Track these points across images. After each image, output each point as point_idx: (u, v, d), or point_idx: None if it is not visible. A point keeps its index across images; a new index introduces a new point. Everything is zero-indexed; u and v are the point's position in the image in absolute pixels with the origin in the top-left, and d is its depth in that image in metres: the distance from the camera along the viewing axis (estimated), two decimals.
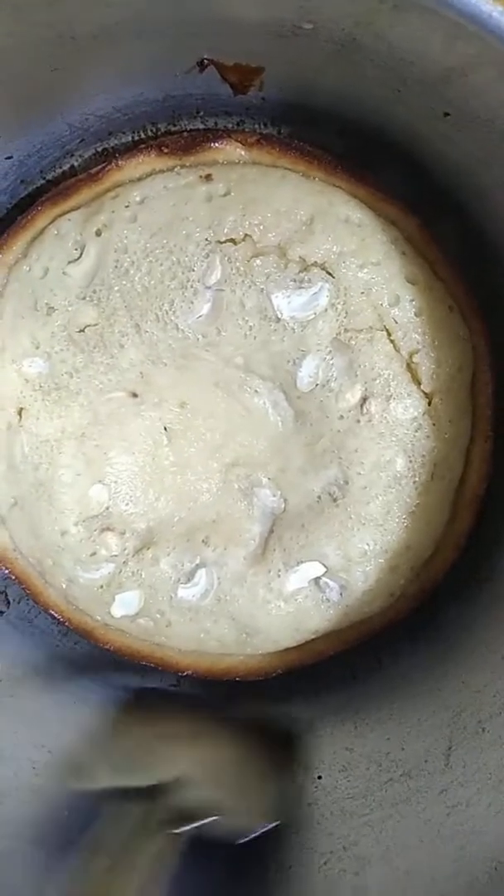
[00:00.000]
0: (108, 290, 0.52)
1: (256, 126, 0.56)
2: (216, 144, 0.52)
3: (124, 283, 0.52)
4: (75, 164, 0.58)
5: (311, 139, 0.54)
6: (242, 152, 0.52)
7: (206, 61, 0.49)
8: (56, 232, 0.53)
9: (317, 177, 0.53)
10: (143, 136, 0.57)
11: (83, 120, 0.54)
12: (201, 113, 0.55)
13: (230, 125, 0.56)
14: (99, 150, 0.57)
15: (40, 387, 0.54)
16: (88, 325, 0.53)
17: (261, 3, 0.37)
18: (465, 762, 0.51)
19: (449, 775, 0.51)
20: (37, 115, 0.51)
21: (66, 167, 0.57)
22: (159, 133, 0.56)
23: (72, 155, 0.57)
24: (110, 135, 0.56)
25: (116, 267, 0.52)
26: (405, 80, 0.42)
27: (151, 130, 0.56)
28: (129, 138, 0.56)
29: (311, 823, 0.53)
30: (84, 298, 0.53)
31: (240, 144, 0.52)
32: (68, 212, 0.54)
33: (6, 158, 0.54)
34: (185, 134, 0.54)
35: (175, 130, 0.56)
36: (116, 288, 0.52)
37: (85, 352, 0.54)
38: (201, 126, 0.56)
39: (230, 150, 0.52)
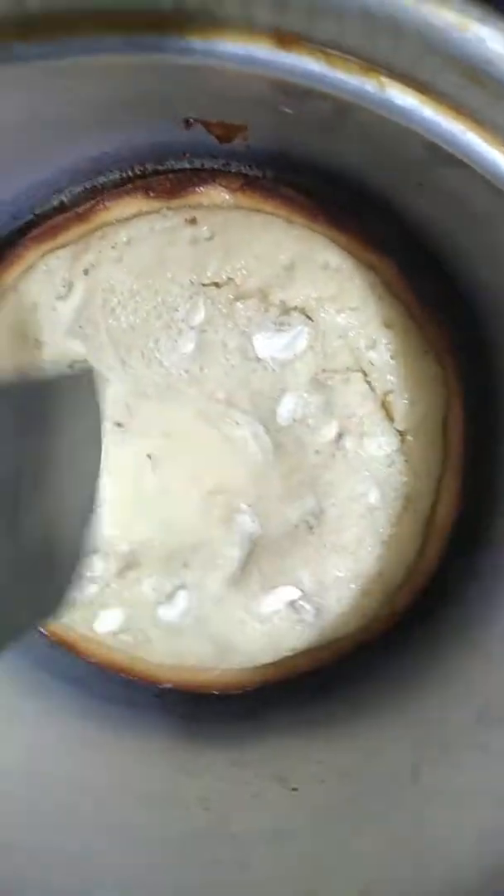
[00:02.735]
0: (96, 326, 0.54)
1: (241, 167, 0.57)
2: (201, 188, 0.54)
3: (111, 321, 0.54)
4: (64, 199, 0.59)
5: (294, 182, 0.55)
6: (227, 196, 0.54)
7: (191, 120, 0.51)
8: (45, 268, 0.55)
9: (298, 222, 0.54)
10: (130, 174, 0.58)
11: (73, 163, 0.55)
12: (188, 154, 0.56)
13: (216, 166, 0.57)
14: (88, 186, 0.58)
15: None
16: (76, 361, 0.55)
17: (242, 86, 0.39)
18: (430, 782, 0.53)
19: (415, 793, 0.53)
20: (29, 164, 0.53)
21: (55, 202, 0.58)
22: (147, 172, 0.57)
23: (61, 191, 0.58)
24: (99, 174, 0.57)
25: (103, 305, 0.54)
26: (382, 158, 0.44)
27: (139, 170, 0.57)
28: (118, 176, 0.58)
29: (285, 833, 0.56)
30: (72, 334, 0.55)
31: (224, 189, 0.54)
32: (57, 249, 0.55)
33: None
34: (171, 176, 0.55)
35: (162, 170, 0.57)
36: (103, 325, 0.54)
37: None
38: (188, 166, 0.57)
39: (215, 194, 0.54)
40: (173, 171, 0.57)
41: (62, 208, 0.58)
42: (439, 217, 0.51)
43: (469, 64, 0.32)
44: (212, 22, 0.33)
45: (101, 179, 0.58)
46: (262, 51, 0.34)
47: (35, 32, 0.33)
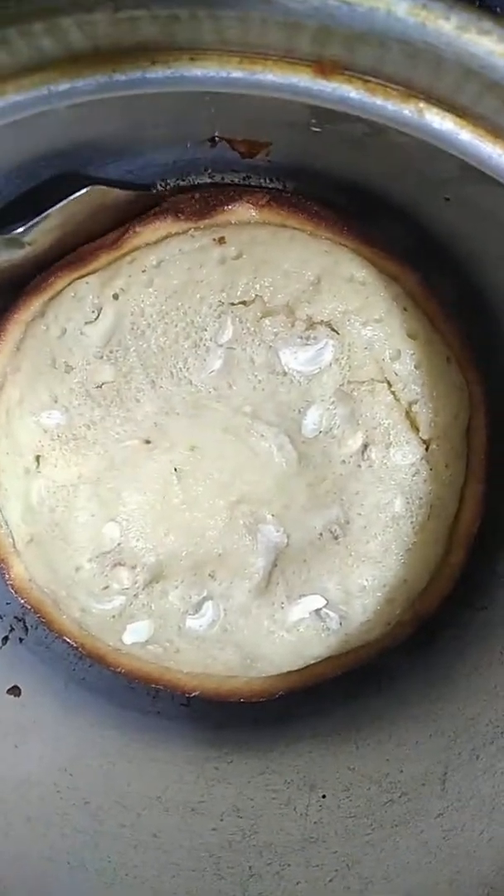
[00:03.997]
0: (125, 350, 0.54)
1: (262, 181, 0.57)
2: (229, 207, 0.54)
3: (140, 343, 0.54)
4: None
5: (315, 194, 0.56)
6: (254, 212, 0.54)
7: (217, 138, 0.51)
8: (73, 294, 0.54)
9: (324, 236, 0.54)
10: (153, 190, 0.58)
11: (103, 179, 0.56)
12: (209, 170, 0.57)
13: (237, 180, 0.57)
14: None
15: (58, 437, 0.56)
16: (105, 382, 0.55)
17: (276, 108, 0.39)
18: (460, 788, 0.54)
19: (445, 799, 0.54)
20: (61, 183, 0.53)
21: None
22: (168, 187, 0.58)
23: None
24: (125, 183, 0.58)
25: (133, 328, 0.54)
26: (410, 173, 0.44)
27: (161, 185, 0.57)
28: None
29: (317, 841, 0.57)
30: (101, 357, 0.55)
31: (251, 206, 0.54)
32: (86, 275, 0.55)
33: None
34: (197, 196, 0.55)
35: (185, 186, 0.57)
36: (133, 348, 0.54)
37: (102, 406, 0.56)
38: (208, 181, 0.57)
39: (242, 211, 0.54)
40: (196, 186, 0.57)
41: None
42: (465, 229, 0.51)
43: None
44: (254, 53, 0.34)
45: None
46: (303, 80, 0.34)
47: (82, 70, 0.33)
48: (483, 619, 0.60)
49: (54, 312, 0.55)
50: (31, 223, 0.51)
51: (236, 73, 0.34)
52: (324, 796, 0.58)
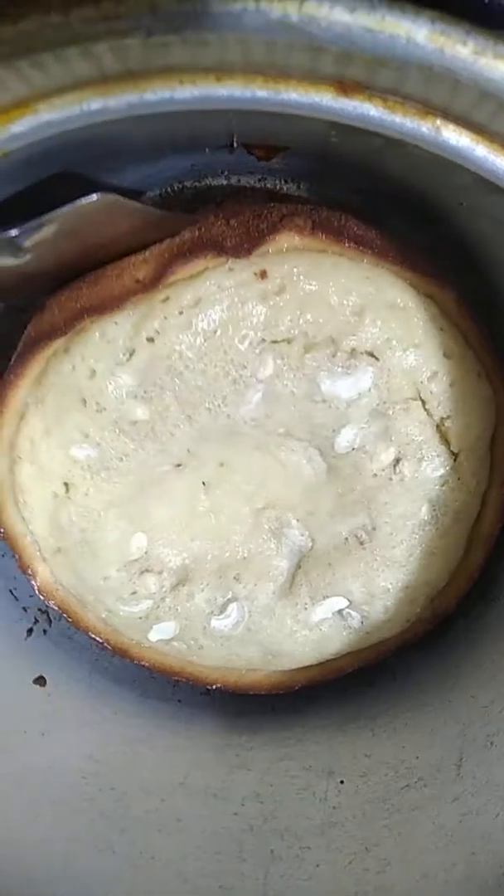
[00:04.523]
0: (161, 389, 0.51)
1: (277, 182, 0.56)
2: (272, 237, 0.50)
3: (177, 382, 0.51)
4: None
5: (330, 196, 0.55)
6: (298, 240, 0.50)
7: (235, 144, 0.50)
8: (100, 334, 0.51)
9: (366, 260, 0.52)
10: (169, 191, 0.57)
11: (115, 187, 0.56)
12: (226, 172, 0.56)
13: (252, 182, 0.56)
14: None
15: (89, 468, 0.54)
16: (140, 420, 0.53)
17: (296, 121, 0.40)
18: (475, 773, 0.56)
19: (460, 785, 0.56)
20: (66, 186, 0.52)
21: None
22: (185, 188, 0.56)
23: None
24: (139, 194, 0.56)
25: (169, 369, 0.51)
26: (427, 180, 0.45)
27: (177, 187, 0.56)
28: (157, 193, 0.57)
29: (336, 825, 0.58)
30: (136, 398, 0.52)
31: (296, 234, 0.50)
32: (111, 316, 0.51)
33: None
34: (235, 224, 0.51)
35: (201, 187, 0.56)
36: (169, 388, 0.51)
37: (136, 441, 0.53)
38: (224, 182, 0.56)
39: (285, 239, 0.50)
40: (224, 190, 0.56)
41: None
42: (478, 235, 0.52)
43: None
44: (278, 73, 0.35)
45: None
46: (325, 98, 0.36)
47: (113, 90, 0.35)
48: (496, 610, 0.62)
49: (80, 352, 0.51)
50: (27, 226, 0.47)
51: (261, 93, 0.36)
52: (342, 782, 0.60)
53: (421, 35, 0.32)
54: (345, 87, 0.35)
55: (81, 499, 0.55)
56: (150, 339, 0.50)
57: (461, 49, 0.32)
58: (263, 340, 0.51)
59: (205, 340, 0.50)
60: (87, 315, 0.50)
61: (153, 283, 0.49)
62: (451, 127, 0.36)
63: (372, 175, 0.52)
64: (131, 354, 0.51)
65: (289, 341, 0.51)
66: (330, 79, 0.35)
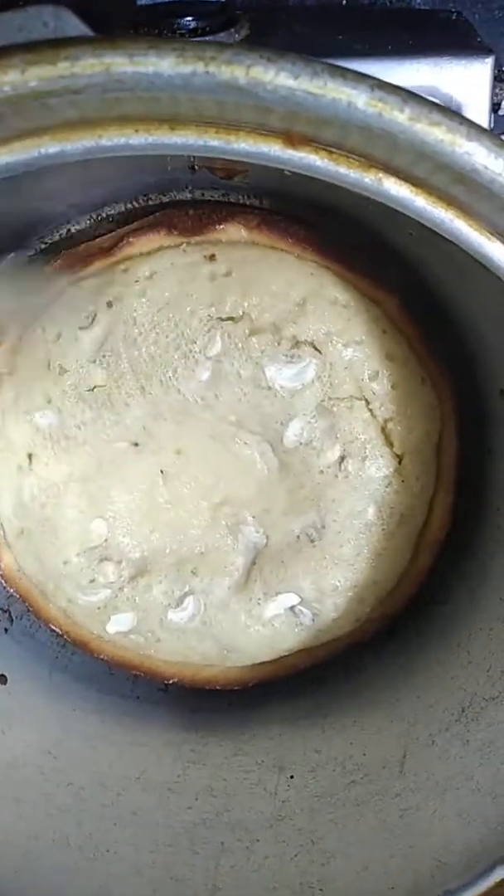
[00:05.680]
0: (117, 356, 0.57)
1: (240, 198, 0.60)
2: (221, 226, 0.56)
3: (132, 351, 0.57)
4: (72, 230, 0.61)
5: (290, 211, 0.58)
6: (245, 233, 0.56)
7: (196, 167, 0.54)
8: (69, 298, 0.57)
9: (310, 259, 0.57)
10: (135, 205, 0.61)
11: (80, 202, 0.59)
12: (189, 187, 0.60)
13: (217, 196, 0.60)
14: (94, 216, 0.61)
15: (50, 436, 0.59)
16: (97, 386, 0.58)
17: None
18: (416, 770, 0.58)
19: (403, 781, 0.58)
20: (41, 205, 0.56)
21: (62, 232, 0.61)
22: (150, 202, 0.60)
23: (69, 221, 0.61)
24: (104, 206, 0.60)
25: (125, 336, 0.57)
26: (376, 211, 0.47)
27: (142, 201, 0.60)
28: (122, 208, 0.61)
29: (285, 818, 0.61)
30: (94, 362, 0.57)
31: (242, 226, 0.56)
32: (80, 280, 0.57)
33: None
34: (191, 213, 0.58)
35: (166, 202, 0.60)
36: (124, 355, 0.57)
37: (93, 408, 0.58)
38: (189, 197, 0.60)
39: (233, 230, 0.56)
40: (188, 203, 0.60)
41: (69, 236, 0.61)
42: (431, 261, 0.54)
43: (458, 172, 0.36)
44: (229, 125, 0.37)
45: (107, 211, 0.61)
46: (274, 149, 0.37)
47: (70, 136, 0.36)
48: (444, 614, 0.64)
49: (50, 315, 0.57)
50: None
51: (213, 142, 0.37)
52: (292, 777, 0.62)
53: (361, 100, 0.34)
54: (292, 139, 0.37)
55: (43, 469, 0.60)
56: (110, 304, 0.56)
57: (398, 115, 0.34)
58: (210, 318, 0.56)
59: (157, 310, 0.56)
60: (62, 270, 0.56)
61: (111, 248, 0.56)
62: (392, 179, 0.38)
63: (329, 197, 0.53)
64: (93, 319, 0.57)
65: (234, 320, 0.56)
66: (278, 132, 0.37)
